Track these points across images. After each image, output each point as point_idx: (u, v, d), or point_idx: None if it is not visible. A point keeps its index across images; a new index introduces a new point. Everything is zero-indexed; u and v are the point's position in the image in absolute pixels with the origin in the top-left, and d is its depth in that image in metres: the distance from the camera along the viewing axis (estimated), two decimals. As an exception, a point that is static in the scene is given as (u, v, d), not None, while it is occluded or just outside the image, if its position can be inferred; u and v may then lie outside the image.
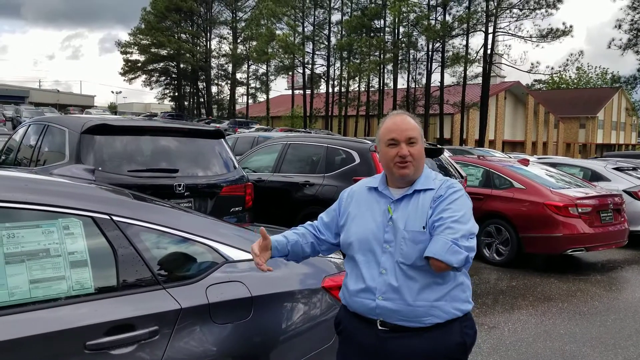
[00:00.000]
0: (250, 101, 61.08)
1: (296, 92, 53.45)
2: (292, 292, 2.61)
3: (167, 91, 67.92)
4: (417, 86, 43.60)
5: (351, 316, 2.24)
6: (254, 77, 58.61)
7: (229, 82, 61.72)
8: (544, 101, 56.45)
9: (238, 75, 60.37)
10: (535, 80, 68.74)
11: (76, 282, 2.07)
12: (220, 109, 63.43)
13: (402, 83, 45.21)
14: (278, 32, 47.98)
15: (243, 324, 2.40)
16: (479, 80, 39.56)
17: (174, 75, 65.77)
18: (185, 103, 67.46)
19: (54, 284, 2.03)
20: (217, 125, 43.76)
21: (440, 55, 40.24)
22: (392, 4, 39.08)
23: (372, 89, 46.77)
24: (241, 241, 2.62)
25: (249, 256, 2.54)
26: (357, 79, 47.13)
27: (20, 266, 1.98)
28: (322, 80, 50.28)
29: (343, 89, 48.87)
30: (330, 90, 49.47)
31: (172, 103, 69.30)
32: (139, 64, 63.37)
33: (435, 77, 41.19)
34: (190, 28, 62.31)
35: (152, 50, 61.03)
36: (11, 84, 73.44)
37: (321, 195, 6.70)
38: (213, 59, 61.93)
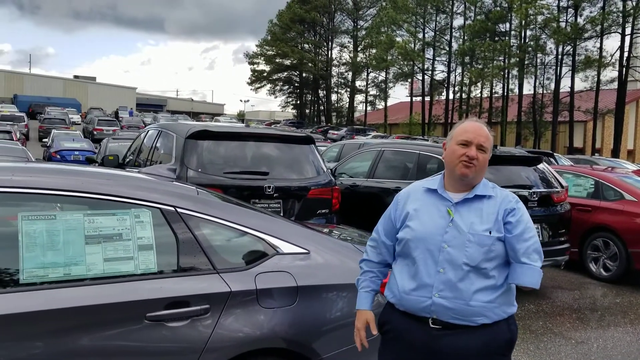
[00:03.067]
0: (369, 108, 61.64)
1: (416, 99, 53.04)
2: (337, 286, 2.81)
3: (290, 99, 70.60)
4: (544, 92, 41.47)
5: (400, 315, 2.32)
6: (372, 84, 59.21)
7: (349, 90, 62.78)
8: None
9: (357, 83, 61.25)
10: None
11: (142, 262, 2.45)
12: (339, 117, 64.66)
13: (527, 89, 43.30)
14: (398, 39, 47.99)
15: (288, 309, 2.65)
16: (615, 85, 36.73)
17: (296, 84, 68.21)
18: (307, 111, 69.64)
19: (123, 263, 2.42)
20: (335, 132, 44.67)
21: (571, 58, 37.99)
22: (518, 6, 37.51)
23: (496, 95, 45.19)
24: (294, 236, 2.87)
25: (298, 249, 2.80)
26: (479, 84, 45.83)
27: (97, 246, 2.39)
28: (442, 86, 49.45)
29: (464, 95, 47.71)
30: (451, 96, 48.56)
31: (294, 111, 71.86)
32: (265, 74, 66.53)
33: (565, 82, 38.98)
34: (312, 38, 64.34)
35: (277, 60, 63.83)
36: (152, 93, 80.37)
37: (411, 201, 6.77)
38: (333, 68, 63.41)
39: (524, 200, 6.33)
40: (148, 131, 7.21)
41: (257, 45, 66.82)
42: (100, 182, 2.63)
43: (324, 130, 47.53)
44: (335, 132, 44.46)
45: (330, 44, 63.51)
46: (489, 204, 2.28)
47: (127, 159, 7.60)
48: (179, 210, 2.60)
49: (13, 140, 20.36)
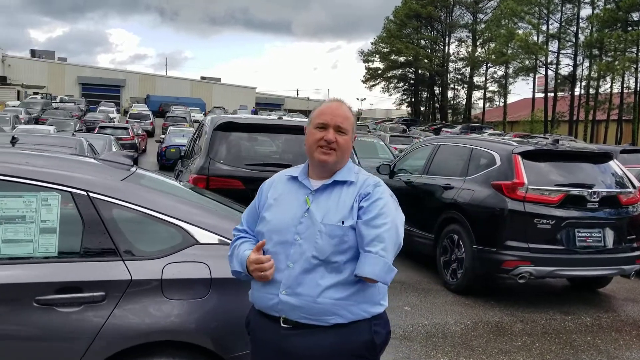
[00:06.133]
0: (487, 105, 59.04)
1: (538, 95, 49.88)
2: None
3: (405, 97, 69.66)
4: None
5: (257, 313, 2.16)
6: (491, 80, 56.62)
7: (466, 86, 60.55)
8: None
9: (475, 79, 58.93)
10: None
11: (42, 245, 2.44)
12: (455, 114, 62.63)
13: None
14: (518, 31, 45.40)
15: (197, 302, 2.52)
16: None
17: (411, 81, 67.15)
18: (422, 108, 68.30)
19: (22, 245, 2.43)
20: (449, 130, 43.25)
21: None
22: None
23: (628, 90, 41.21)
24: (222, 226, 2.73)
25: (222, 239, 2.65)
26: (608, 78, 42.06)
27: (-2, 227, 2.42)
28: (567, 81, 46.01)
29: (591, 91, 44.04)
30: (577, 92, 45.06)
31: (408, 108, 70.82)
32: (379, 72, 66.22)
33: None
34: (429, 33, 62.93)
35: (392, 57, 63.24)
36: (276, 93, 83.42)
37: (458, 199, 6.30)
38: (450, 63, 61.54)
39: (581, 200, 5.63)
40: (202, 125, 7.40)
41: (372, 43, 66.71)
42: (15, 163, 2.64)
43: (437, 128, 46.29)
44: (449, 130, 43.03)
45: (447, 39, 61.76)
46: (348, 190, 2.07)
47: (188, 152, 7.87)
48: (91, 194, 2.56)
49: (130, 136, 22.07)
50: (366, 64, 66.34)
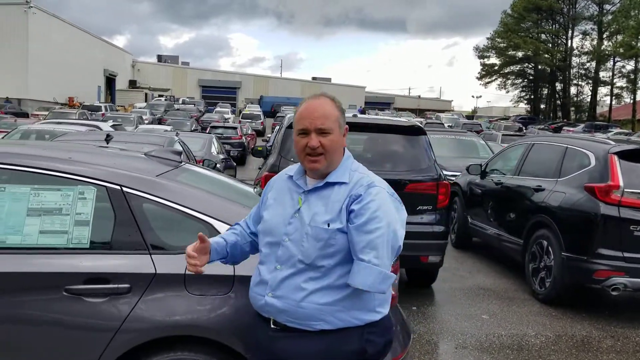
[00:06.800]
0: (614, 102, 54.44)
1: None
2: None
3: (523, 94, 66.21)
4: None
5: (254, 312, 2.12)
6: (619, 75, 52.12)
7: (590, 82, 56.28)
8: None
9: (601, 74, 54.60)
10: None
11: (75, 237, 2.55)
12: (578, 112, 58.47)
13: None
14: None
15: (219, 298, 2.51)
16: None
17: (530, 77, 63.69)
18: (542, 106, 64.52)
19: (57, 236, 2.55)
20: (571, 129, 40.43)
21: None
22: None
23: None
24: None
25: None
26: None
27: (37, 219, 2.56)
28: None
29: None
30: None
31: (527, 106, 67.24)
32: (495, 68, 63.51)
33: None
34: (550, 27, 59.30)
35: (509, 52, 60.37)
36: (381, 92, 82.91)
37: (549, 202, 5.81)
38: (573, 58, 57.50)
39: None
40: (282, 123, 7.49)
41: (487, 38, 64.17)
42: (57, 158, 2.75)
43: (557, 126, 43.49)
44: (571, 129, 40.23)
45: (570, 32, 57.75)
46: (339, 191, 1.94)
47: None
48: (124, 189, 2.64)
49: (238, 135, 22.97)
50: (481, 60, 64.00)
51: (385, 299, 2.01)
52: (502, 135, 23.47)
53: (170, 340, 2.49)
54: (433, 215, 5.43)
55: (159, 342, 2.49)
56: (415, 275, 6.21)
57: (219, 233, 2.62)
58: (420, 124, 5.68)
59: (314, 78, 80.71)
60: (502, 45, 60.95)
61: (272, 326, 2.00)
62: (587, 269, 5.18)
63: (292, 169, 2.14)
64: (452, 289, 6.21)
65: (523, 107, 70.15)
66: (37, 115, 31.05)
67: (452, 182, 8.91)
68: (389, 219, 1.87)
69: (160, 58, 79.88)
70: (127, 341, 2.45)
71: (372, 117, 7.53)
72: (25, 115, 31.10)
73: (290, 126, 5.56)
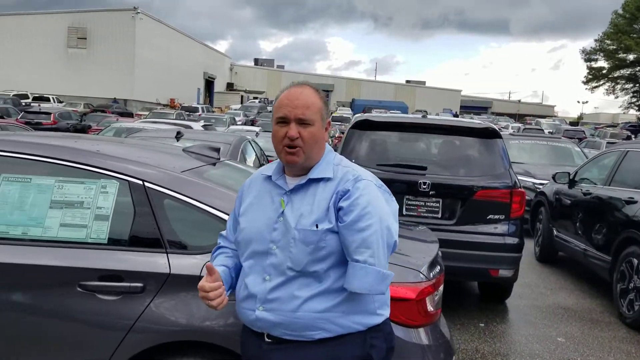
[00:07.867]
0: None
1: None
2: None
3: (634, 100, 61.37)
4: None
5: (244, 328, 1.95)
6: None
7: None
8: None
9: None
10: None
11: (94, 232, 2.49)
12: (697, 119, 53.32)
13: None
14: None
15: (234, 304, 2.34)
16: None
17: (643, 82, 58.98)
18: (656, 113, 59.54)
19: (77, 230, 2.50)
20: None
21: None
22: None
23: None
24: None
25: None
26: None
27: (58, 211, 2.53)
28: None
29: None
30: None
31: (638, 113, 62.28)
32: (603, 71, 59.44)
33: None
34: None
35: (618, 55, 56.26)
36: (477, 96, 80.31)
37: (641, 216, 5.18)
38: (694, 61, 52.55)
39: None
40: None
41: (595, 40, 60.15)
42: (83, 150, 2.70)
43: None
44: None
45: (690, 32, 52.86)
46: (325, 188, 1.75)
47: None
48: (146, 184, 2.55)
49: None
50: (588, 63, 60.09)
51: (385, 301, 1.84)
52: (607, 142, 21.90)
53: (181, 344, 2.37)
54: (506, 226, 4.98)
55: (171, 346, 2.37)
56: (488, 289, 5.78)
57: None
58: (497, 128, 5.23)
59: (407, 81, 79.72)
60: (611, 47, 56.92)
61: (267, 339, 1.82)
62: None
63: (269, 168, 1.95)
64: (527, 307, 5.70)
65: (634, 114, 65.06)
66: (140, 115, 32.86)
67: (538, 190, 8.31)
68: (380, 214, 1.70)
69: (256, 61, 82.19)
70: (138, 343, 2.35)
71: (444, 118, 7.12)
72: (130, 115, 32.95)
73: (354, 126, 5.36)
